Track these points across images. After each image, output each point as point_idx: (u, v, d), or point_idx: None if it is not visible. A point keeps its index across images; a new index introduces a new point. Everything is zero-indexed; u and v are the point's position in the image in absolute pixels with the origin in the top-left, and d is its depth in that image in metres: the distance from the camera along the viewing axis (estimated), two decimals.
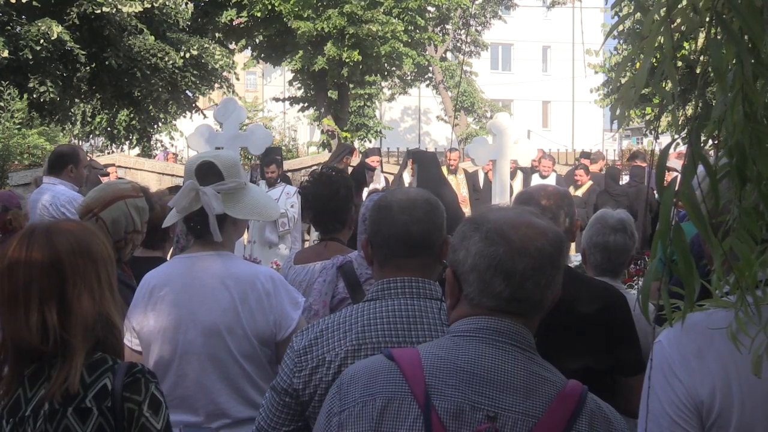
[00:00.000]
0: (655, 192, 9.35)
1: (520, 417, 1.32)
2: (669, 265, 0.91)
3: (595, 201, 9.40)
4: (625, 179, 10.36)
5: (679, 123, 0.87)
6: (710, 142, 0.96)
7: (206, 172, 2.42)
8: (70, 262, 1.68)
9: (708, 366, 1.44)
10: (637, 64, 0.93)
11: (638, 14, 0.96)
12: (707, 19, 0.88)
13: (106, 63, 12.15)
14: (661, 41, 0.87)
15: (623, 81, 1.17)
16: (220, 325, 2.32)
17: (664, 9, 0.86)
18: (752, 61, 0.87)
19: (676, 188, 0.85)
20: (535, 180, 10.26)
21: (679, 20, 0.90)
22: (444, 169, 9.89)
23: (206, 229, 2.38)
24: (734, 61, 0.88)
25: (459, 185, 9.75)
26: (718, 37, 0.88)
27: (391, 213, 1.87)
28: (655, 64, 0.91)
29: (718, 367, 1.44)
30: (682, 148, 10.43)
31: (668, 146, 0.89)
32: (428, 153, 8.15)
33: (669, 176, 0.92)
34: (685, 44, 10.87)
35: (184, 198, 2.38)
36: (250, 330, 2.34)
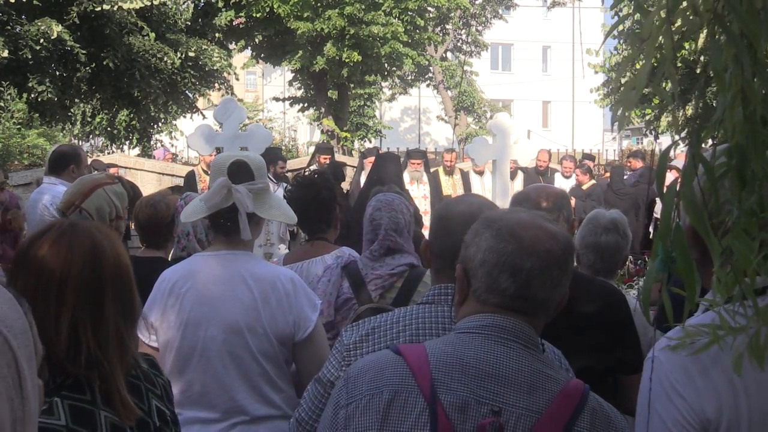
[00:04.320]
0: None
1: (524, 412, 1.35)
2: (669, 266, 0.92)
3: (601, 198, 9.47)
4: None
5: (679, 123, 0.88)
6: (710, 141, 0.97)
7: (239, 170, 2.45)
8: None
9: (713, 383, 1.40)
10: (637, 64, 0.93)
11: (638, 15, 0.97)
12: (707, 21, 0.89)
13: (104, 63, 12.14)
14: (661, 42, 0.87)
15: (623, 82, 1.17)
16: (241, 323, 2.35)
17: (665, 10, 0.87)
18: (751, 62, 0.87)
19: (677, 189, 0.86)
20: (558, 180, 10.27)
21: (679, 22, 0.90)
22: (440, 170, 9.91)
23: (235, 227, 2.41)
24: (734, 63, 0.89)
25: (455, 186, 9.75)
26: (718, 39, 0.89)
27: (450, 224, 1.89)
28: (656, 65, 0.92)
29: (724, 384, 1.39)
30: (683, 150, 10.45)
31: (668, 149, 0.90)
32: (390, 154, 8.17)
33: (675, 174, 0.92)
34: (685, 44, 10.89)
35: (217, 194, 2.41)
36: (271, 329, 2.37)
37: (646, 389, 1.46)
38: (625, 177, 9.99)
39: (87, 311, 1.45)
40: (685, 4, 0.90)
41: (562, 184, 10.07)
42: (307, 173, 3.35)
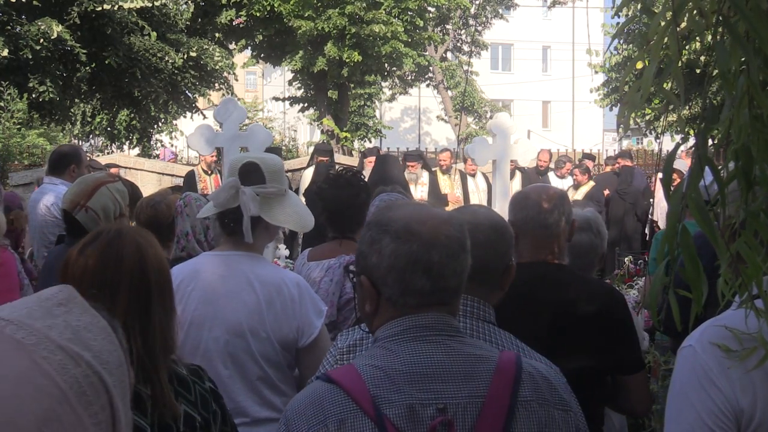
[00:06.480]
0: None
1: (468, 401, 1.35)
2: (675, 268, 0.91)
3: (605, 200, 9.47)
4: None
5: (685, 123, 0.87)
6: (714, 143, 0.97)
7: (249, 172, 2.44)
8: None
9: (750, 376, 1.40)
10: (637, 64, 0.93)
11: (642, 16, 0.97)
12: (713, 22, 0.88)
13: (106, 62, 12.13)
14: (666, 43, 0.87)
15: (626, 83, 1.17)
16: (244, 325, 2.34)
17: (670, 12, 0.86)
18: (761, 64, 0.87)
19: (683, 191, 0.86)
20: (553, 181, 10.24)
21: (685, 23, 0.90)
22: (437, 170, 9.89)
23: (239, 228, 2.39)
24: (741, 64, 0.89)
25: (453, 185, 9.72)
26: (723, 40, 0.88)
27: None
28: (662, 67, 0.91)
29: (760, 376, 1.40)
30: (683, 147, 10.45)
31: (674, 151, 0.89)
32: (390, 155, 8.17)
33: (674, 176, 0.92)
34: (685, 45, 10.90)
35: (224, 194, 2.40)
36: (274, 334, 2.36)
37: (680, 379, 1.45)
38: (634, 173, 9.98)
39: (136, 317, 1.56)
40: (690, 5, 0.90)
41: (556, 184, 10.06)
42: (342, 171, 3.34)
